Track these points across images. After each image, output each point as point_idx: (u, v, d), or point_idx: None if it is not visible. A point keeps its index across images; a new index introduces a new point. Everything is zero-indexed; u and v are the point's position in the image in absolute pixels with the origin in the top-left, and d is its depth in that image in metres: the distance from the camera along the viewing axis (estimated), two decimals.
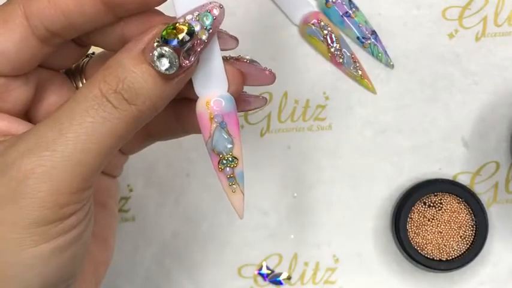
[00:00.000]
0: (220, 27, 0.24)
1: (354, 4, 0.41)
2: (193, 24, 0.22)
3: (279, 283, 0.41)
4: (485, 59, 0.40)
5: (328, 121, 0.41)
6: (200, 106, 0.24)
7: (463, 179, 0.41)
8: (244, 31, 0.41)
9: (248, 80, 0.26)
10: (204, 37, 0.23)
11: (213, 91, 0.24)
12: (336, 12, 0.40)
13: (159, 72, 0.22)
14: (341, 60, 0.40)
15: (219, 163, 0.24)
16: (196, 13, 0.23)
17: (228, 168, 0.24)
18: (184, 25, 0.22)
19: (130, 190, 0.41)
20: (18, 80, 0.25)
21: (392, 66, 0.41)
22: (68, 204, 0.22)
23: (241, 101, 0.27)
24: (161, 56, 0.22)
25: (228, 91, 0.24)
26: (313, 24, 0.40)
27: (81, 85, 0.28)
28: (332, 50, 0.40)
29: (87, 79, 0.28)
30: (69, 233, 0.23)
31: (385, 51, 0.41)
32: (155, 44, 0.22)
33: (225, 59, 0.25)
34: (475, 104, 0.41)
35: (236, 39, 0.26)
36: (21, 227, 0.21)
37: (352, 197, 0.41)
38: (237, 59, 0.26)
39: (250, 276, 0.41)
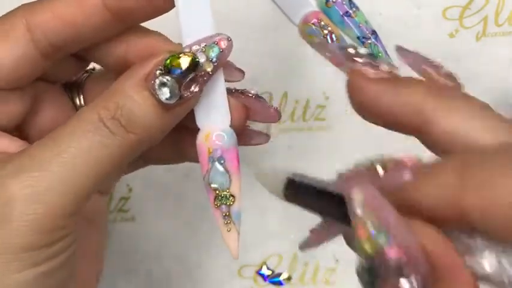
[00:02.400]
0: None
1: (354, 4, 0.40)
2: (199, 55, 0.22)
3: (279, 283, 0.41)
4: (486, 59, 0.40)
5: (328, 121, 0.41)
6: (200, 138, 0.24)
7: None
8: (245, 31, 0.41)
9: (252, 115, 0.25)
10: (209, 69, 0.22)
11: (214, 124, 0.23)
12: (336, 12, 0.40)
13: (159, 101, 0.22)
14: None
15: (215, 199, 0.24)
16: (203, 44, 0.22)
17: (223, 206, 0.24)
18: (189, 55, 0.22)
19: (130, 190, 0.41)
20: (14, 93, 0.24)
21: None
22: (57, 229, 0.21)
23: (243, 134, 0.26)
24: (162, 84, 0.21)
25: (230, 125, 0.24)
26: (313, 23, 0.40)
27: (77, 100, 0.27)
28: None
29: (85, 95, 0.27)
30: (57, 258, 0.22)
31: (386, 51, 0.40)
32: (157, 71, 0.21)
33: (230, 92, 0.24)
34: None
35: (242, 72, 0.25)
36: (7, 251, 0.20)
37: None
38: (242, 93, 0.25)
39: (250, 276, 0.41)
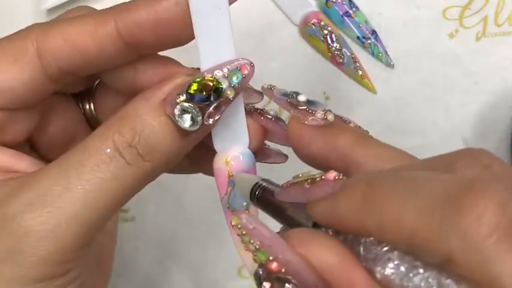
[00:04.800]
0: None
1: (354, 4, 0.41)
2: (221, 81, 0.21)
3: None
4: (486, 59, 0.40)
5: None
6: (218, 163, 0.23)
7: None
8: (244, 31, 0.41)
9: (269, 136, 0.25)
10: (230, 96, 0.21)
11: (233, 147, 0.23)
12: (336, 12, 0.40)
13: (178, 127, 0.21)
14: (341, 60, 0.40)
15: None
16: (225, 69, 0.21)
17: None
18: (212, 82, 0.21)
19: None
20: (23, 112, 0.23)
21: (392, 66, 0.41)
22: (68, 261, 0.21)
23: (260, 153, 0.25)
24: (184, 111, 0.20)
25: (248, 147, 0.23)
26: (313, 24, 0.40)
27: (87, 108, 0.26)
28: (332, 49, 0.40)
29: (95, 103, 0.26)
30: (68, 287, 0.22)
31: (386, 51, 0.41)
32: (179, 97, 0.21)
33: (249, 112, 0.24)
34: (475, 104, 0.41)
35: (261, 94, 0.24)
36: (19, 283, 0.20)
37: None
38: (261, 114, 0.24)
39: (250, 276, 0.41)
